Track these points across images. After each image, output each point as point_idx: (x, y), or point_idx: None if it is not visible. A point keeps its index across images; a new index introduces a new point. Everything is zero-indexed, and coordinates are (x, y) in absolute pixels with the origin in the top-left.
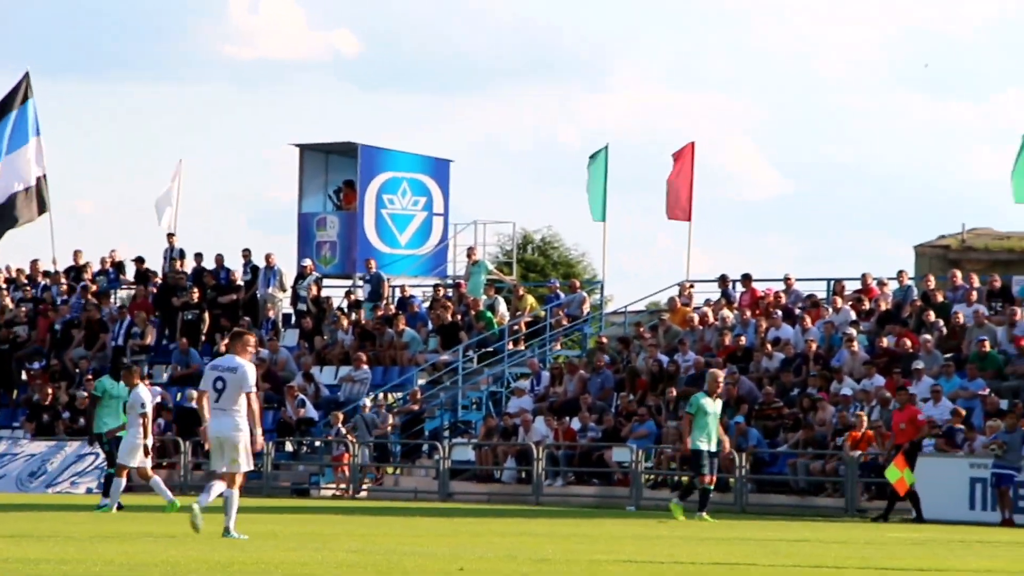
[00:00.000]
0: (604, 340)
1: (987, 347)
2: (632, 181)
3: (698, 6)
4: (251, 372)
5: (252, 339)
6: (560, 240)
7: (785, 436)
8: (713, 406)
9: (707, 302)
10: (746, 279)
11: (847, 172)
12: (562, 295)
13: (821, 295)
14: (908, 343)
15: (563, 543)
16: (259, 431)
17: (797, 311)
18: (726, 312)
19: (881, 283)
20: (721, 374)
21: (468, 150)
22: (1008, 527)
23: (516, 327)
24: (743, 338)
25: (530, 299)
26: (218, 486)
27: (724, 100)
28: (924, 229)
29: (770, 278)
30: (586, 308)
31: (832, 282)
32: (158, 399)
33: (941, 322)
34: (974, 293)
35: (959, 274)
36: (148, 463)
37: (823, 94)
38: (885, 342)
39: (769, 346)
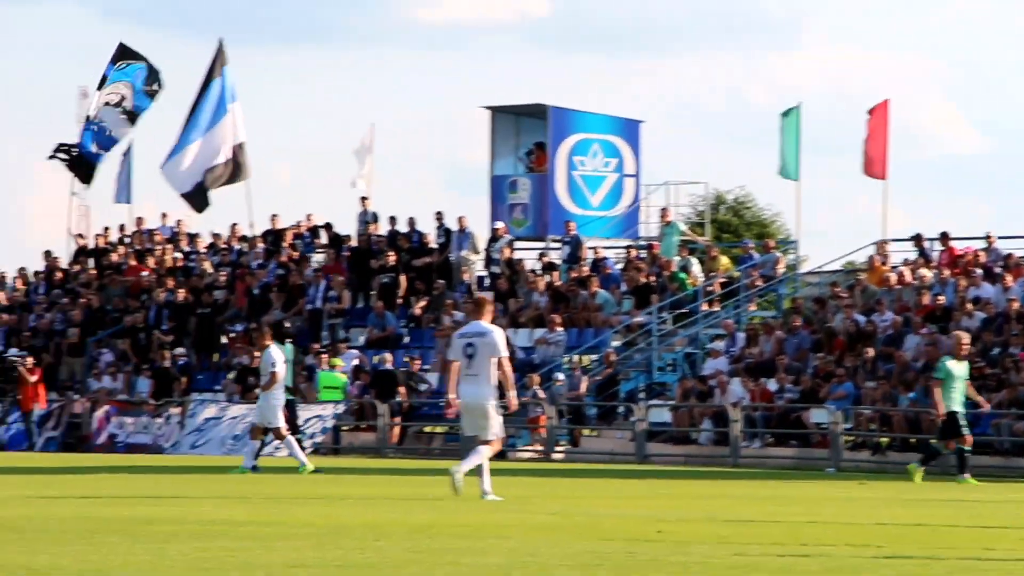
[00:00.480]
0: (800, 300)
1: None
2: (825, 140)
3: None
4: (500, 336)
5: (490, 304)
6: (753, 200)
7: (987, 397)
8: (959, 368)
9: (905, 261)
10: (944, 237)
11: None
12: (756, 255)
13: (1021, 253)
14: None
15: (761, 505)
16: (513, 393)
17: (997, 270)
18: (924, 271)
19: None
20: (966, 336)
21: (659, 111)
22: None
23: (710, 288)
24: (942, 297)
25: (724, 260)
26: (483, 451)
27: (919, 57)
28: None
29: (969, 236)
30: (781, 268)
31: None
32: (354, 362)
33: None
34: None
35: None
36: (282, 423)
37: (1020, 49)
38: None
39: (969, 305)
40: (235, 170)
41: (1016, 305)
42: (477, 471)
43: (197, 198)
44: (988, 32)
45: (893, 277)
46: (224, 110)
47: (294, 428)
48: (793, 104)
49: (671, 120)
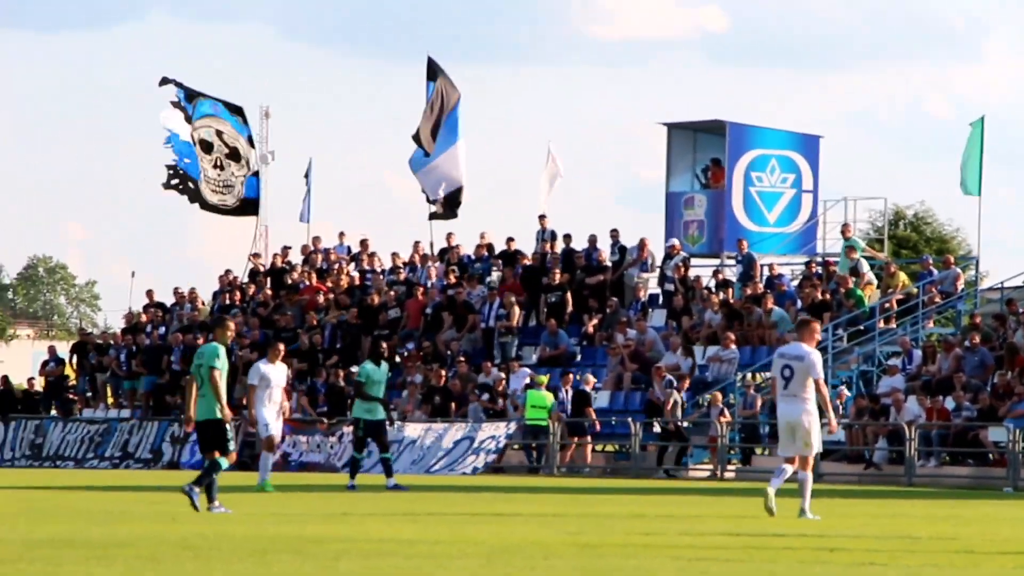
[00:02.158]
0: (979, 317)
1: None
2: (1008, 152)
3: None
4: (818, 359)
5: (817, 327)
6: (933, 215)
7: None
8: None
9: None
10: None
11: None
12: (935, 271)
13: None
14: None
15: (937, 525)
16: (832, 415)
17: None
18: None
19: None
20: None
21: (838, 125)
22: None
23: (887, 305)
24: None
25: (902, 276)
26: (788, 469)
27: None
28: None
29: None
30: (960, 284)
31: None
32: (525, 380)
33: None
34: None
35: None
36: (277, 436)
37: None
38: None
39: None
40: (447, 210)
41: None
42: (799, 491)
43: (448, 206)
44: None
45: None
46: (456, 136)
47: (383, 447)
48: (976, 117)
49: (850, 134)
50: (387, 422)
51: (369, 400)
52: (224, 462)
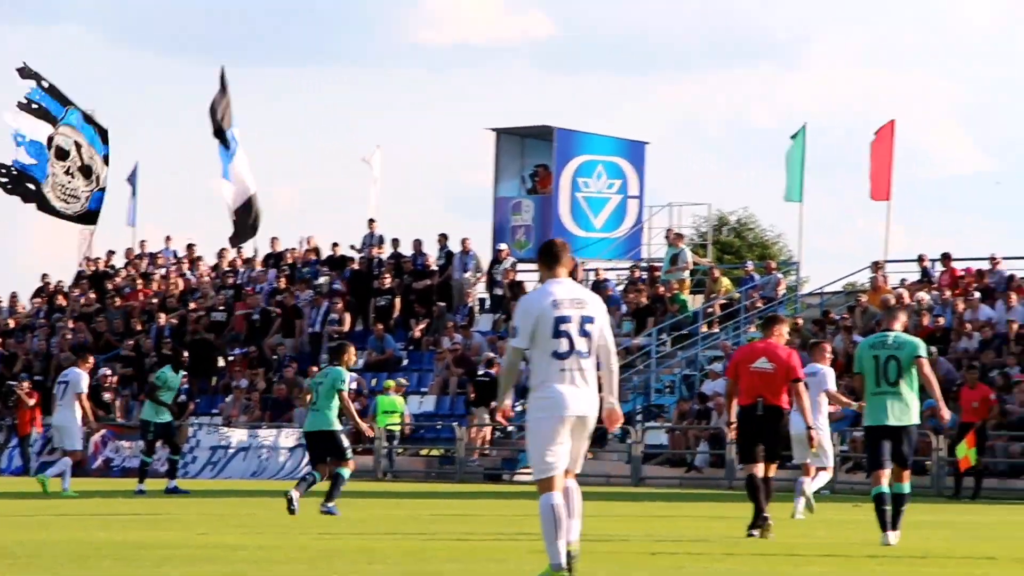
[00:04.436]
0: (799, 322)
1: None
2: (829, 161)
3: None
4: (830, 376)
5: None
6: (756, 221)
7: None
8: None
9: (902, 282)
10: (945, 258)
11: None
12: (757, 277)
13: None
14: None
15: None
16: (809, 419)
17: (999, 291)
18: (922, 293)
19: None
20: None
21: (663, 132)
22: None
23: (710, 310)
24: (941, 319)
25: (725, 281)
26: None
27: (924, 78)
28: None
29: (973, 257)
30: (781, 290)
31: None
32: (354, 384)
33: None
34: None
35: None
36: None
37: None
38: None
39: (968, 326)
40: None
41: (1016, 327)
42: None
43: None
44: (993, 52)
45: (892, 298)
46: (234, 152)
47: (175, 449)
48: (798, 125)
49: (676, 141)
50: (176, 426)
51: (159, 404)
52: (346, 471)
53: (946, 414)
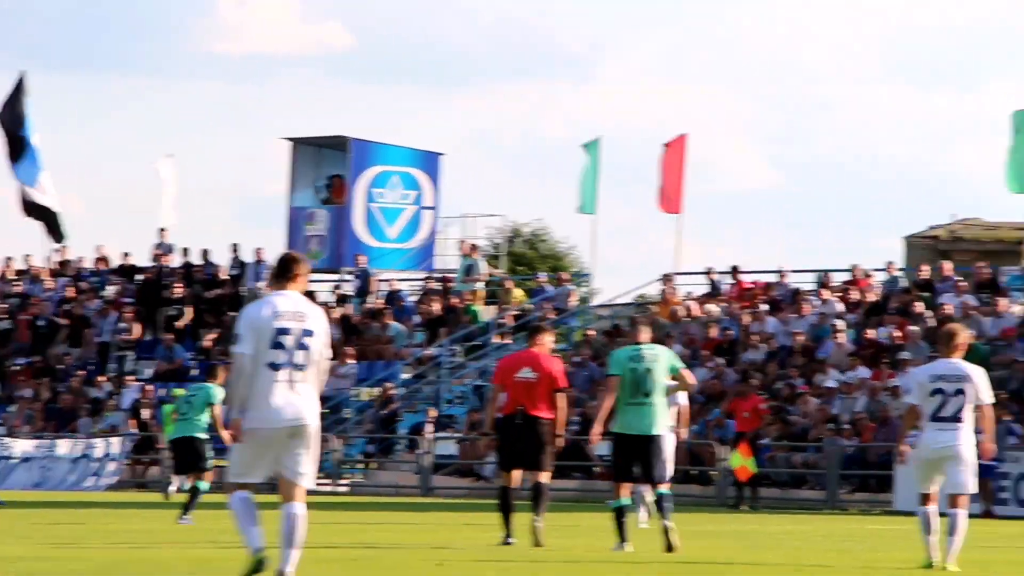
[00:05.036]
0: (590, 333)
1: (972, 338)
2: (623, 174)
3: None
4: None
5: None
6: (549, 233)
7: (767, 429)
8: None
9: (688, 295)
10: (734, 271)
11: (837, 164)
12: (549, 288)
13: (810, 287)
14: (897, 334)
15: (547, 537)
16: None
17: (785, 304)
18: (710, 305)
19: (868, 274)
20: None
21: (459, 144)
22: (988, 519)
23: (502, 321)
24: (730, 331)
25: (517, 292)
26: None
27: (715, 92)
28: (914, 220)
29: (761, 270)
30: (573, 301)
31: (821, 274)
32: (135, 395)
33: (929, 313)
34: (963, 284)
35: (948, 265)
36: None
37: (813, 86)
38: (871, 333)
39: (755, 338)
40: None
41: (801, 338)
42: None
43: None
44: (782, 68)
45: (682, 310)
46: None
47: None
48: (591, 138)
49: (470, 152)
50: None
51: None
52: (204, 484)
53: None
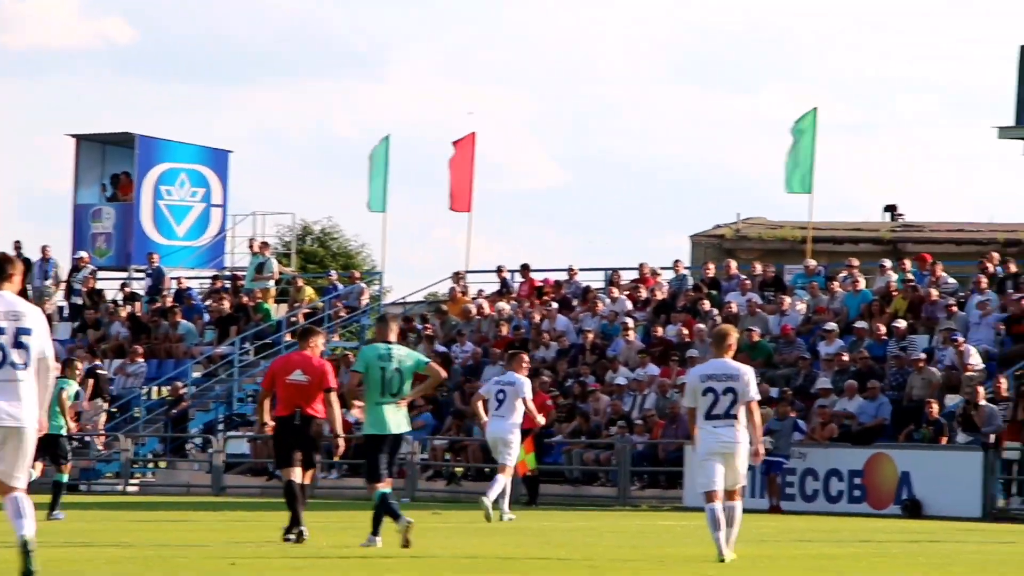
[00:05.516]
0: None
1: (757, 336)
2: (413, 172)
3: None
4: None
5: (524, 357)
6: (340, 231)
7: (559, 426)
8: None
9: (480, 293)
10: (524, 269)
11: (625, 163)
12: (340, 286)
13: (599, 285)
14: (685, 332)
15: (336, 535)
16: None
17: (575, 301)
18: (502, 304)
19: (656, 272)
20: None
21: (248, 141)
22: (776, 513)
23: (294, 319)
24: (521, 329)
25: (308, 290)
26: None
27: (503, 92)
28: (700, 219)
29: (551, 268)
30: (364, 299)
31: (609, 272)
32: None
33: (715, 311)
34: (748, 282)
35: (733, 263)
36: None
37: (601, 86)
38: (660, 331)
39: (546, 336)
40: None
41: (591, 336)
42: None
43: None
44: (568, 66)
45: (473, 308)
46: None
47: None
48: (379, 136)
49: (260, 150)
50: None
51: None
52: (64, 476)
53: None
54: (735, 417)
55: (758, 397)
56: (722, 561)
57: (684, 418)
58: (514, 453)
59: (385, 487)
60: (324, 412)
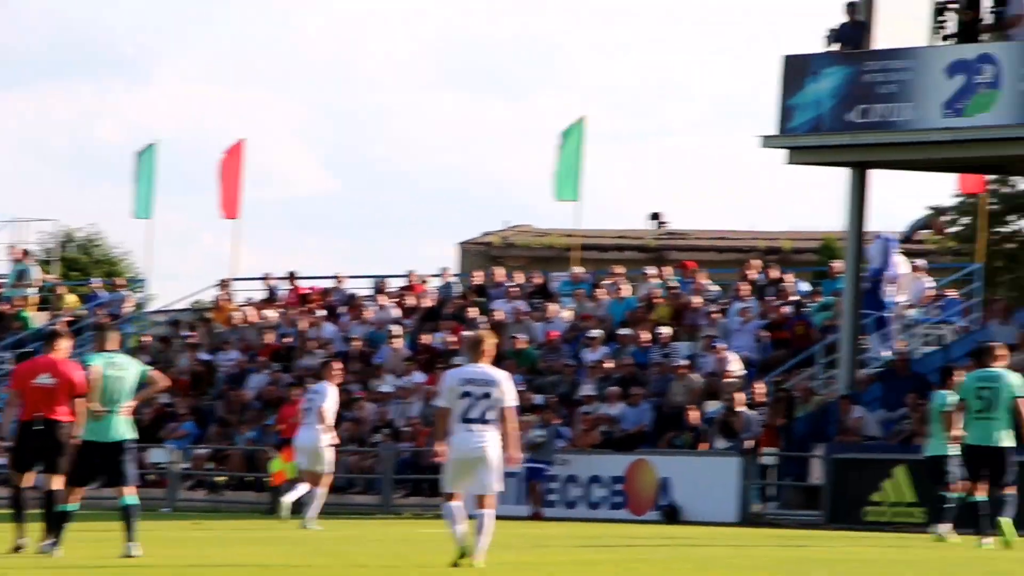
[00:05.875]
0: (146, 339)
1: (522, 343)
2: (181, 179)
3: (239, 3)
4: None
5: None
6: (103, 238)
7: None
8: None
9: (248, 300)
10: (291, 277)
11: (393, 170)
12: (104, 294)
13: (367, 293)
14: (452, 339)
15: (96, 547)
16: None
17: (343, 309)
18: (268, 311)
19: (424, 280)
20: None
21: (6, 147)
22: (537, 520)
23: (54, 327)
24: (288, 337)
25: (71, 298)
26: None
27: (271, 98)
28: (469, 226)
29: (318, 275)
30: (128, 307)
31: (377, 279)
32: None
33: (483, 319)
34: (515, 289)
35: (500, 271)
36: None
37: (367, 93)
38: (427, 339)
39: (312, 344)
40: None
41: (358, 343)
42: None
43: None
44: (335, 73)
45: (239, 316)
46: None
47: None
48: (147, 142)
49: (19, 156)
50: None
51: None
52: None
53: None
54: (490, 422)
55: (515, 404)
56: (463, 556)
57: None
58: (328, 459)
59: (130, 494)
60: (71, 416)
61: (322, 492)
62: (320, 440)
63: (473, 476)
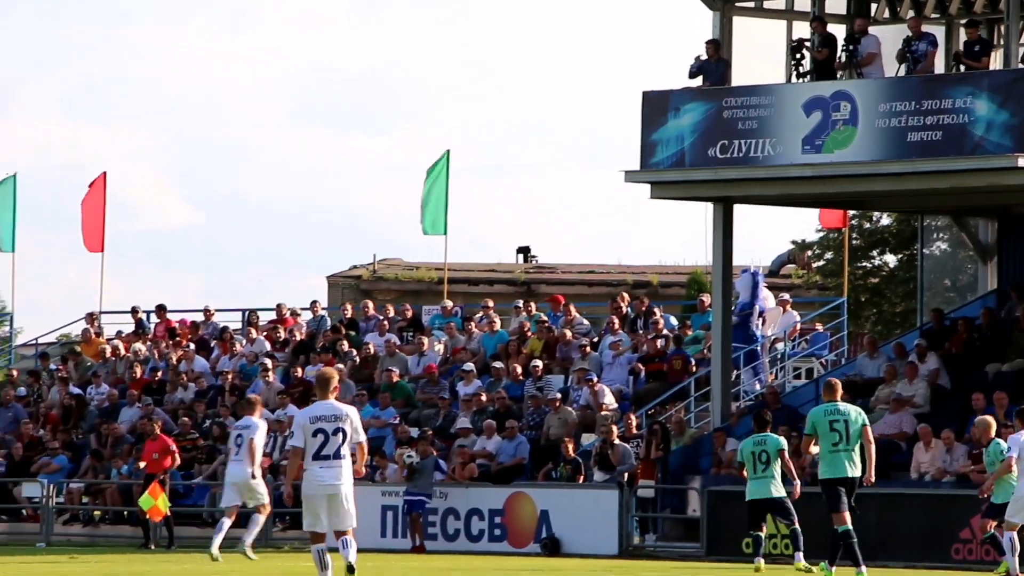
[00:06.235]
0: (14, 373)
1: (396, 376)
2: (42, 211)
3: (99, 36)
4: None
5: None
6: None
7: (199, 468)
8: None
9: (118, 334)
10: (160, 310)
11: (258, 204)
12: None
13: (237, 326)
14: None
15: None
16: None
17: (213, 343)
18: (138, 345)
19: (295, 313)
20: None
21: None
22: (419, 553)
23: None
24: (159, 372)
25: None
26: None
27: (132, 131)
28: (337, 260)
29: (187, 309)
30: None
31: (247, 313)
32: None
33: (354, 351)
34: (386, 323)
35: (371, 304)
36: None
37: (229, 128)
38: (300, 372)
39: (184, 377)
40: None
41: (231, 376)
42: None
43: None
44: (196, 108)
45: (109, 349)
46: None
47: None
48: (9, 173)
49: None
50: None
51: None
52: None
53: None
54: (344, 457)
55: (364, 439)
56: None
57: None
58: (262, 491)
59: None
60: None
61: (262, 520)
62: (250, 474)
63: (331, 512)
